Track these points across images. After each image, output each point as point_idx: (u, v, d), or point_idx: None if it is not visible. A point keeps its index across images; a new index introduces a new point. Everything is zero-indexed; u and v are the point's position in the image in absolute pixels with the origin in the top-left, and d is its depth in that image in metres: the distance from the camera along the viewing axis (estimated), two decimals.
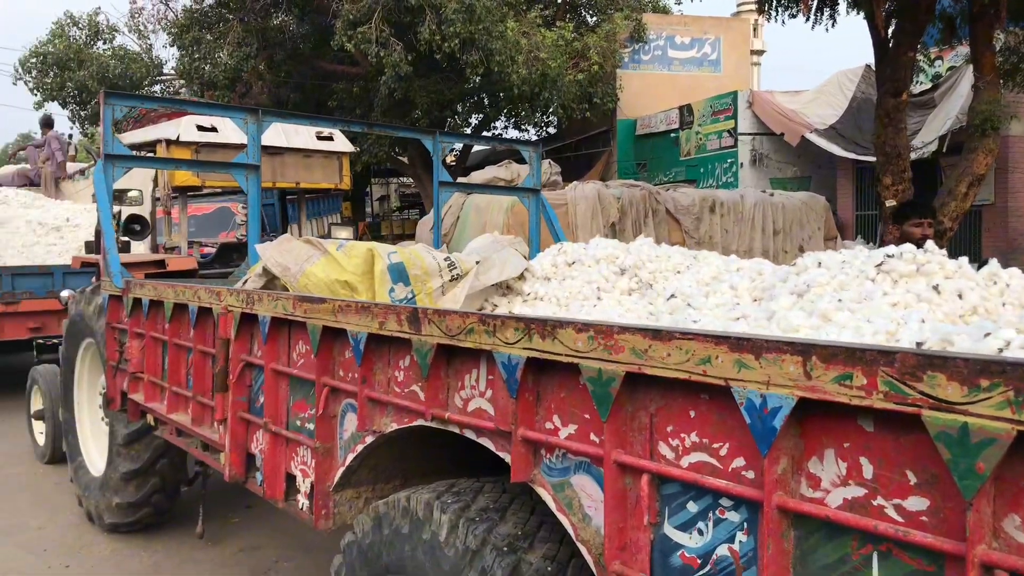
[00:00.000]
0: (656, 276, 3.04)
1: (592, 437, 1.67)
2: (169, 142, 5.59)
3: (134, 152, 5.10)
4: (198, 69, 17.13)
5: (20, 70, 19.12)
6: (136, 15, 20.23)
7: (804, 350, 1.24)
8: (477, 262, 3.12)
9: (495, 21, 14.13)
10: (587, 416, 1.68)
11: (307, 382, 2.65)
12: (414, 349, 2.08)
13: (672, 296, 2.73)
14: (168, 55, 20.13)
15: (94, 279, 6.54)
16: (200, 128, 5.76)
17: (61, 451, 6.81)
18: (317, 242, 3.16)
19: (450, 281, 3.05)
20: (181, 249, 6.14)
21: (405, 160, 19.21)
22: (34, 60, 18.89)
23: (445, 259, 3.12)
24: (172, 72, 20.50)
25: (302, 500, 2.71)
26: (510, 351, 1.77)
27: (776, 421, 1.28)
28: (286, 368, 2.77)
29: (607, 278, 3.02)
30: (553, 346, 1.67)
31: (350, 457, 2.47)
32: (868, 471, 1.21)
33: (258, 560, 5.03)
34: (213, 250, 10.32)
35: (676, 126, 18.12)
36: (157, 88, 20.69)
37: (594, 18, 18.63)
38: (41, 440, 7.21)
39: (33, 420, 7.32)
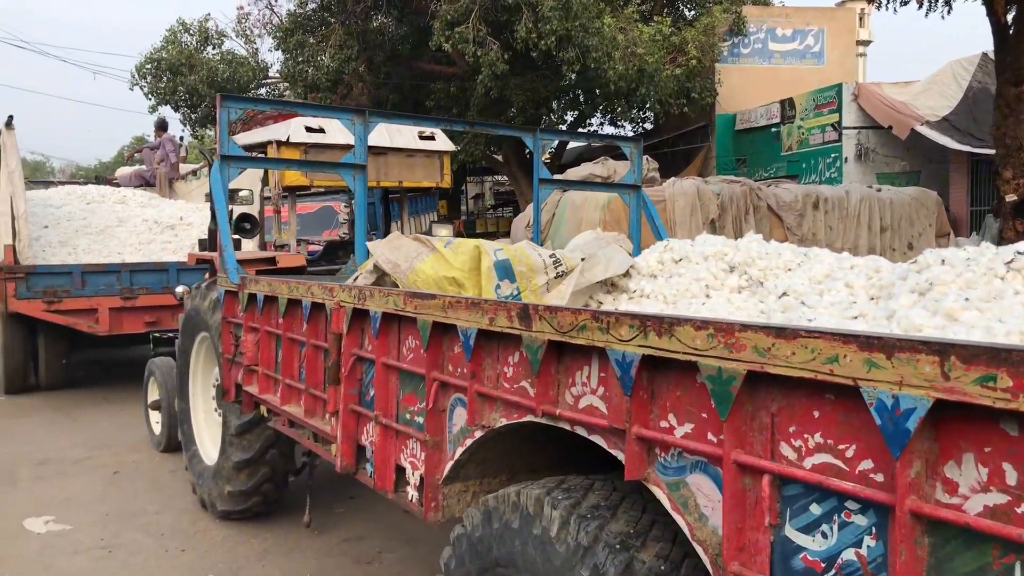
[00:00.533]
0: (766, 273, 2.98)
1: (710, 436, 1.65)
2: (279, 143, 5.79)
3: (247, 153, 5.30)
4: (302, 72, 17.63)
5: (136, 76, 20.08)
6: (243, 20, 20.98)
7: (941, 350, 1.19)
8: (582, 259, 3.12)
9: (591, 17, 14.06)
10: (704, 415, 1.66)
11: (417, 376, 2.71)
12: (524, 345, 2.10)
13: (784, 294, 2.68)
14: (273, 59, 21.02)
15: (207, 275, 6.82)
16: (309, 129, 5.94)
17: (176, 440, 7.12)
18: (426, 239, 3.22)
19: (555, 278, 3.06)
20: (290, 247, 6.34)
21: (500, 158, 19.34)
22: (149, 66, 19.82)
23: (550, 256, 3.13)
24: (277, 75, 21.19)
25: (411, 492, 2.77)
26: (625, 348, 1.77)
27: (910, 423, 1.24)
28: (396, 362, 2.83)
29: (715, 275, 2.98)
30: (670, 344, 1.65)
31: (459, 451, 2.51)
32: (1012, 477, 1.16)
33: (362, 550, 5.15)
34: (319, 248, 10.63)
35: (777, 120, 17.68)
36: (263, 91, 21.42)
37: (692, 12, 18.33)
38: (157, 429, 7.55)
39: (150, 410, 7.68)
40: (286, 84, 20.12)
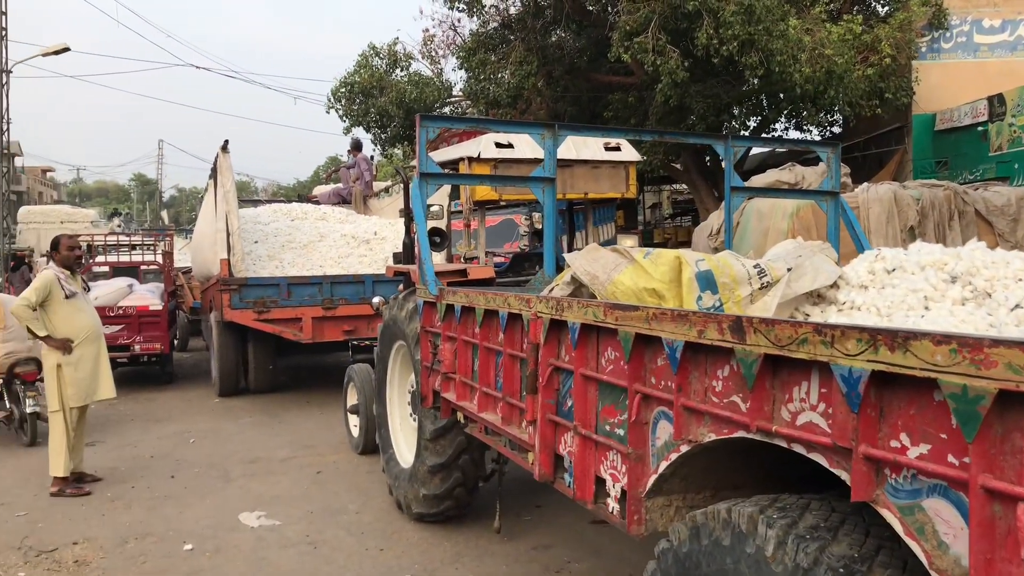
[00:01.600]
0: (993, 284, 2.75)
1: (951, 459, 1.54)
2: (471, 159, 5.99)
3: (443, 170, 5.50)
4: (483, 89, 18.10)
5: (332, 99, 21.34)
6: (428, 42, 21.82)
7: None
8: (788, 269, 3.01)
9: (775, 20, 13.58)
10: (944, 436, 1.55)
11: (617, 388, 2.70)
12: (737, 359, 2.04)
13: (1017, 306, 2.46)
14: (456, 78, 21.93)
15: (401, 287, 7.13)
16: (498, 145, 6.10)
17: (373, 443, 7.48)
18: (624, 250, 3.22)
19: (759, 289, 2.97)
20: (479, 259, 6.53)
21: (679, 167, 19.04)
22: (343, 90, 21.01)
23: (754, 266, 3.04)
24: (460, 94, 21.88)
25: (612, 504, 2.76)
26: (851, 363, 1.68)
27: None
28: (595, 373, 2.83)
29: (935, 286, 2.78)
30: (905, 359, 1.56)
31: (663, 465, 2.47)
32: None
33: (551, 558, 5.19)
34: (505, 260, 10.87)
35: (984, 118, 16.35)
36: (447, 109, 22.17)
37: (886, 8, 17.32)
38: (356, 432, 7.95)
39: (349, 414, 8.10)
40: (469, 102, 20.73)
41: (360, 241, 11.33)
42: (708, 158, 18.76)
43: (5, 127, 19.43)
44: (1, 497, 6.64)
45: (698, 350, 2.26)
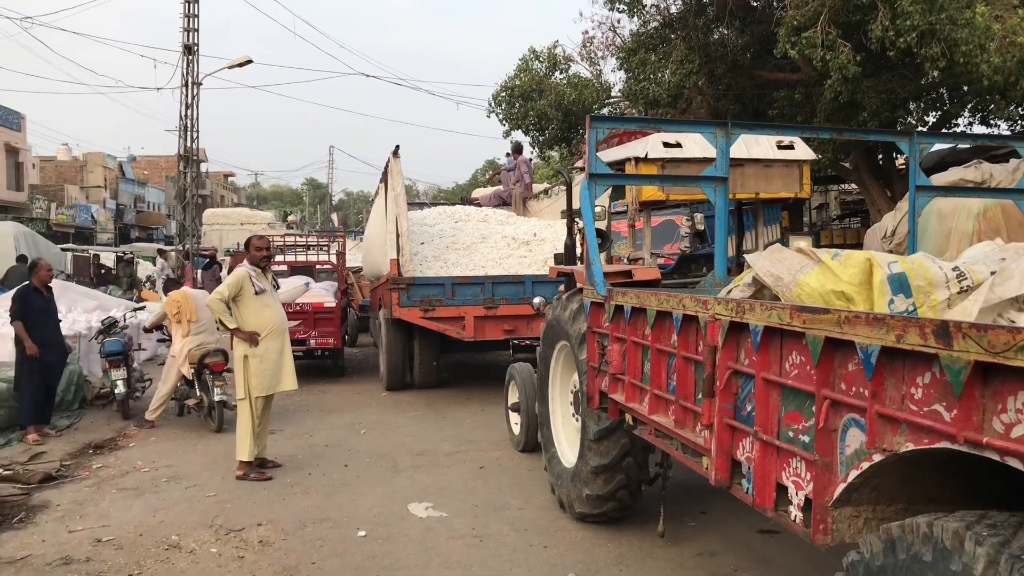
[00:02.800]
0: None
1: None
2: (638, 159, 5.96)
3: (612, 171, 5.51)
4: (643, 89, 17.95)
5: (492, 103, 21.76)
6: (588, 44, 21.86)
7: None
8: (991, 272, 2.82)
9: (960, 8, 12.72)
10: None
11: (802, 393, 2.61)
12: (943, 365, 1.94)
13: None
14: (615, 79, 21.93)
15: (562, 288, 7.18)
16: (666, 145, 6.05)
17: (534, 441, 7.59)
18: (810, 251, 3.11)
19: (958, 293, 2.80)
20: (644, 260, 6.49)
21: (848, 165, 18.18)
22: (504, 94, 21.38)
23: (953, 269, 2.86)
24: (619, 94, 21.79)
25: (794, 512, 2.68)
26: None
27: None
28: (777, 378, 2.76)
29: None
30: None
31: (853, 474, 2.38)
32: None
33: (717, 566, 5.09)
34: (665, 261, 10.76)
35: None
36: (606, 110, 22.13)
37: None
38: (516, 430, 8.07)
39: (510, 412, 8.24)
40: (627, 102, 20.61)
41: (520, 242, 11.51)
42: (881, 156, 17.81)
43: (195, 135, 21.00)
44: (193, 479, 7.17)
45: (895, 355, 2.17)
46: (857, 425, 2.36)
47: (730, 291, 3.39)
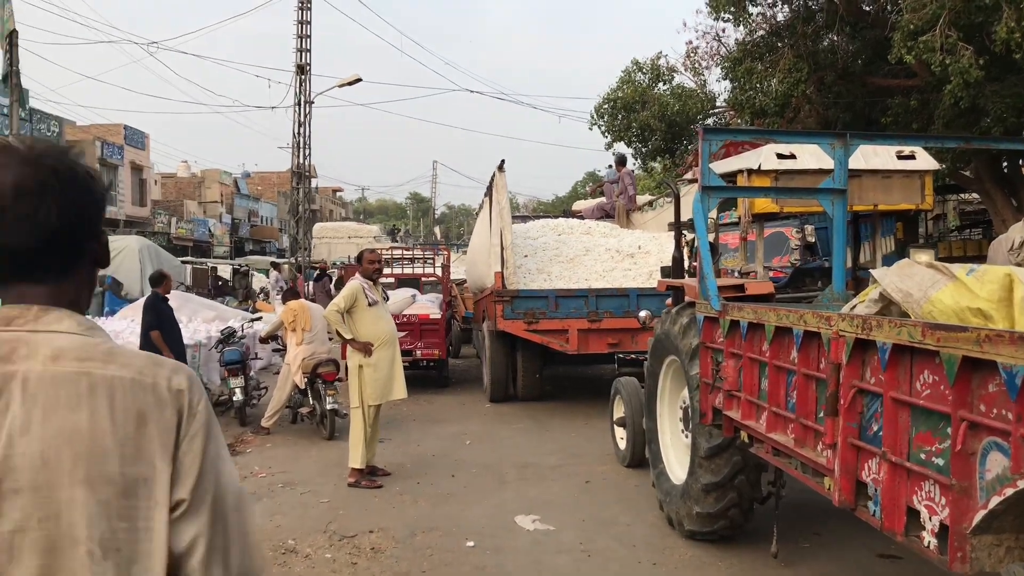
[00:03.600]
0: None
1: None
2: (750, 171, 5.85)
3: (725, 183, 5.43)
4: (749, 99, 17.64)
5: (595, 116, 21.75)
6: (692, 54, 21.62)
7: None
8: None
9: None
10: None
11: (936, 414, 2.51)
12: None
13: None
14: (720, 89, 21.65)
15: (669, 301, 7.10)
16: (779, 156, 5.93)
17: (640, 456, 7.50)
18: (943, 267, 2.99)
19: None
20: (757, 273, 6.35)
21: (968, 174, 17.36)
22: (606, 106, 21.34)
23: None
24: (723, 104, 21.45)
25: (928, 538, 2.57)
26: None
27: None
28: (908, 397, 2.65)
29: None
30: None
31: (994, 500, 2.26)
32: None
33: None
34: (776, 274, 10.49)
35: None
36: (710, 121, 21.82)
37: None
38: (622, 445, 8.01)
39: (615, 426, 8.18)
40: (732, 112, 20.27)
41: (624, 255, 11.44)
42: (1006, 163, 16.96)
43: (307, 152, 21.74)
44: (307, 484, 7.40)
45: None
46: (999, 449, 2.25)
47: (854, 307, 3.28)
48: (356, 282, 7.36)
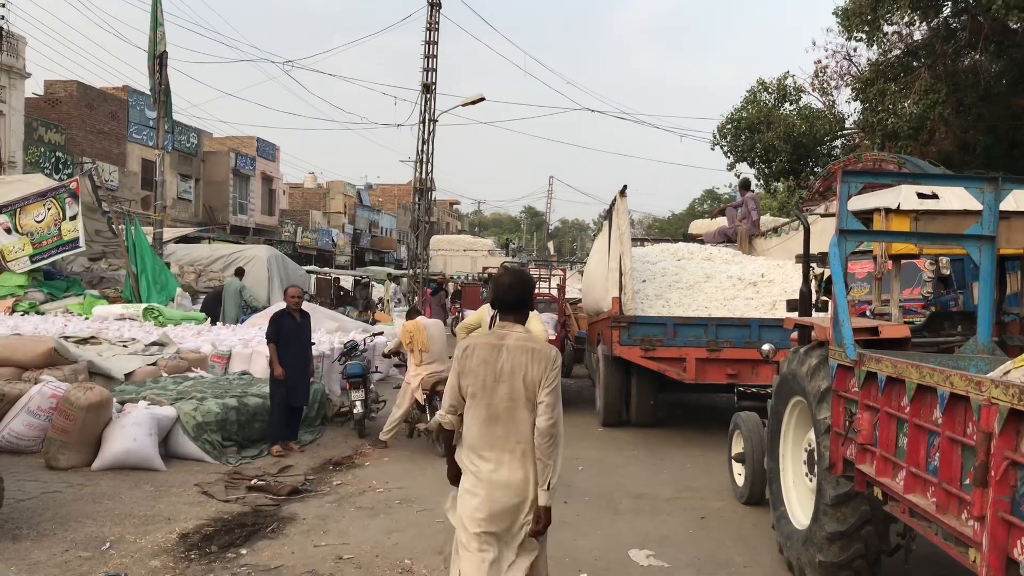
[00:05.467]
0: None
1: None
2: (888, 210, 5.64)
3: (862, 226, 5.24)
4: (881, 121, 17.02)
5: (717, 135, 21.44)
6: (820, 74, 21.03)
7: None
8: None
9: None
10: None
11: None
12: None
13: None
14: (849, 110, 20.82)
15: (793, 336, 6.89)
16: (920, 195, 5.68)
17: (759, 494, 7.31)
18: None
19: None
20: (892, 316, 6.10)
21: None
22: (729, 126, 21.01)
23: None
24: (853, 126, 20.77)
25: None
26: None
27: None
28: None
29: None
30: None
31: None
32: None
33: None
34: (908, 307, 10.07)
35: None
36: (838, 143, 21.16)
37: None
38: (740, 481, 7.81)
39: (733, 461, 7.98)
40: (862, 134, 19.60)
41: (747, 283, 11.18)
42: None
43: (429, 168, 22.24)
44: (423, 502, 7.52)
45: None
46: None
47: (1008, 372, 3.10)
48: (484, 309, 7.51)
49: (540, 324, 7.87)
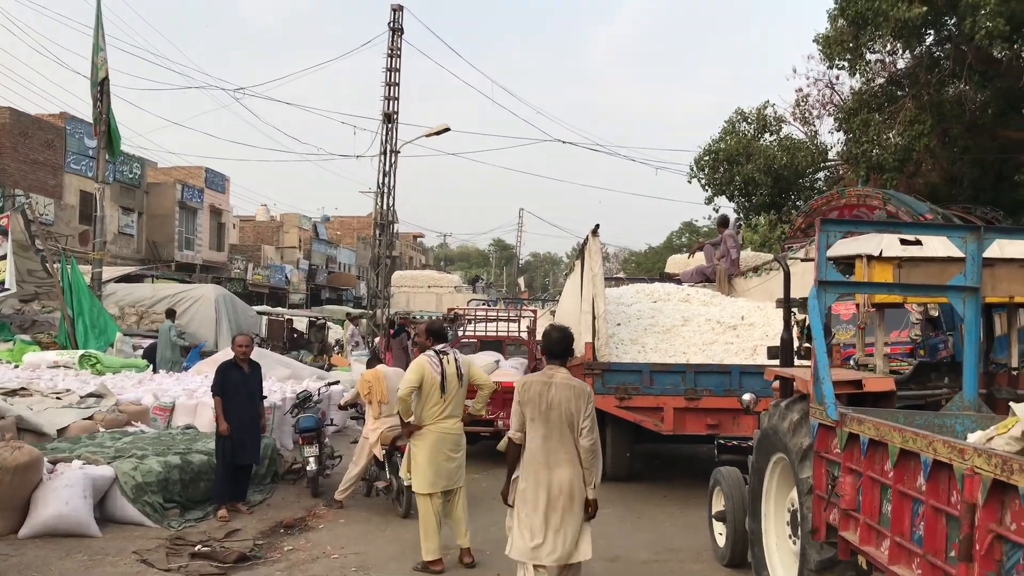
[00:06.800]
0: None
1: None
2: (870, 257, 5.74)
3: (844, 277, 5.33)
4: (865, 152, 17.37)
5: (695, 168, 21.73)
6: (801, 103, 21.47)
7: None
8: None
9: None
10: None
11: None
12: None
13: None
14: (832, 140, 21.29)
15: (775, 386, 6.96)
16: (903, 242, 5.80)
17: (741, 556, 7.30)
18: None
19: None
20: (877, 368, 6.18)
21: None
22: (707, 158, 21.31)
23: None
24: (836, 157, 21.17)
25: None
26: None
27: None
28: None
29: None
30: None
31: None
32: None
33: None
34: (892, 350, 10.22)
35: None
36: (821, 175, 21.55)
37: None
38: (721, 541, 7.80)
39: (714, 520, 7.99)
40: (846, 166, 19.98)
41: (726, 326, 11.29)
42: None
43: (391, 202, 22.30)
44: (381, 570, 7.45)
45: None
46: None
47: (991, 438, 3.16)
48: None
49: (480, 372, 8.14)
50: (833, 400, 4.44)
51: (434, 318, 17.23)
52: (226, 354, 11.82)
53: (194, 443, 9.75)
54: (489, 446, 13.30)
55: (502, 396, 12.30)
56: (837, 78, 20.87)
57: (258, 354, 13.33)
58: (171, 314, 17.81)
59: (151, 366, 15.36)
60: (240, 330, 17.56)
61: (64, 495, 7.73)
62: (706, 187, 21.76)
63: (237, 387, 9.17)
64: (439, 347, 7.63)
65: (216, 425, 9.09)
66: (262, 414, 9.71)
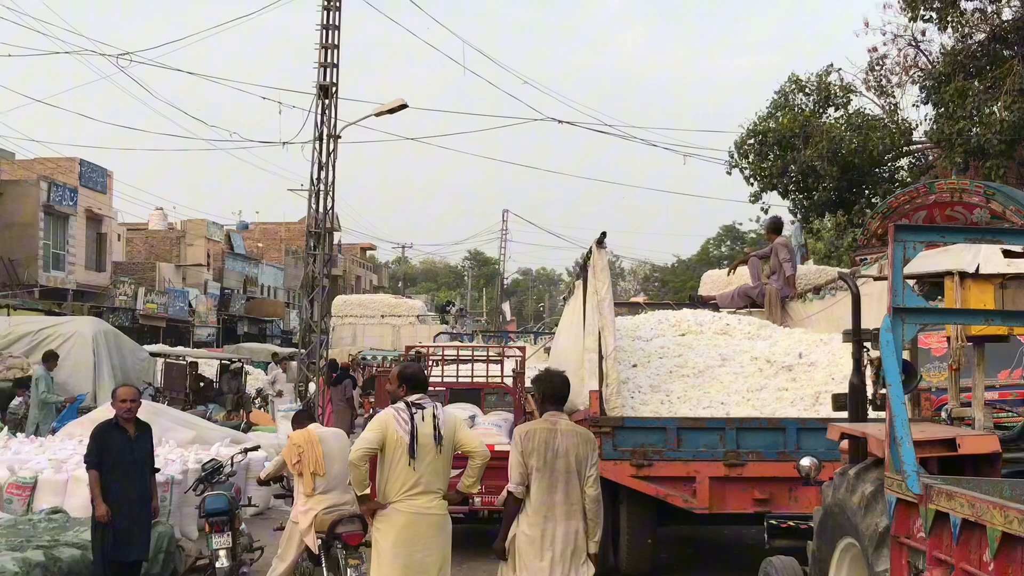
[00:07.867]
0: None
1: None
2: (963, 274, 5.76)
3: (926, 303, 5.36)
4: (962, 132, 17.49)
5: (735, 155, 21.77)
6: (877, 66, 21.56)
7: None
8: None
9: None
10: None
11: None
12: None
13: None
14: (918, 116, 21.46)
15: (843, 446, 6.98)
16: (1007, 254, 5.82)
17: None
18: None
19: None
20: (976, 420, 6.18)
21: None
22: (751, 142, 21.38)
23: None
24: (924, 138, 21.28)
25: None
26: None
27: None
28: None
29: None
30: None
31: None
32: None
33: None
34: (1000, 395, 10.18)
35: None
36: (903, 163, 21.68)
37: None
38: None
39: None
40: (938, 150, 20.13)
41: (779, 367, 11.30)
42: None
43: (330, 204, 22.18)
44: None
45: None
46: None
47: None
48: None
49: (470, 435, 8.39)
50: (915, 467, 4.47)
51: (403, 360, 17.12)
52: (106, 411, 11.76)
53: (63, 533, 9.70)
54: (462, 531, 13.27)
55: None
56: (923, 33, 20.99)
57: (151, 411, 13.30)
58: (50, 358, 17.74)
59: (5, 428, 15.26)
60: (126, 379, 17.50)
61: None
62: (751, 180, 21.86)
63: (120, 456, 9.11)
64: (414, 398, 7.53)
65: (92, 509, 9.03)
66: (154, 493, 9.65)
